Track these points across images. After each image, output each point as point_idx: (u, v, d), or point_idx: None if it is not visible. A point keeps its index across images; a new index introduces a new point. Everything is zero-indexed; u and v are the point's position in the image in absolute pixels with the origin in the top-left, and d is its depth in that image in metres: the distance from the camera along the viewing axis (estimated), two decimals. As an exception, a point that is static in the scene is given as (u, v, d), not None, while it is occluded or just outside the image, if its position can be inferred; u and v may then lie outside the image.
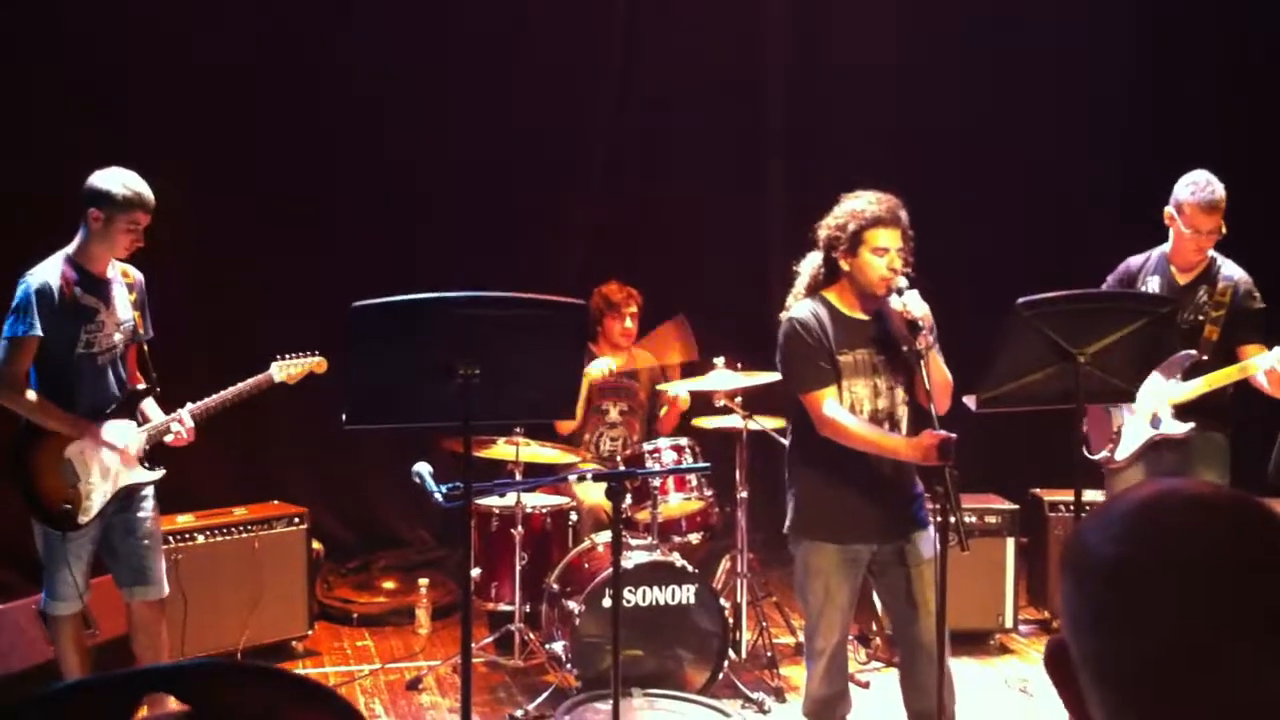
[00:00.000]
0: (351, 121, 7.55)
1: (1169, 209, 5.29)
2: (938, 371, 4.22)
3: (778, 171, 8.23)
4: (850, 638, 6.05)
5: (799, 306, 4.36)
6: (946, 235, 7.22)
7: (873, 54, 8.09)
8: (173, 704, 0.88)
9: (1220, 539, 1.19)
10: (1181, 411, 5.28)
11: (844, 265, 4.29)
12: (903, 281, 4.19)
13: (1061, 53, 8.11)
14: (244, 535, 6.19)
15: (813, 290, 4.39)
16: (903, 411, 4.36)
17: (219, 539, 6.10)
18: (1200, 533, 1.20)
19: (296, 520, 6.39)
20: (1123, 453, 5.46)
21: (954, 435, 4.00)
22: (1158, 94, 8.00)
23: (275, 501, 6.57)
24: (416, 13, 7.61)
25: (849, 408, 4.26)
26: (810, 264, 4.43)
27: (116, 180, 4.70)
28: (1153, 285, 5.36)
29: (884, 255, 4.21)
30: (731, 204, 8.16)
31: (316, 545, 6.60)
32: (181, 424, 4.93)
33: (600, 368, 6.44)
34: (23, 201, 6.21)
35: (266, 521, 6.30)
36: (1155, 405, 5.27)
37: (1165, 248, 5.41)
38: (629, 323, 6.64)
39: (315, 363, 5.23)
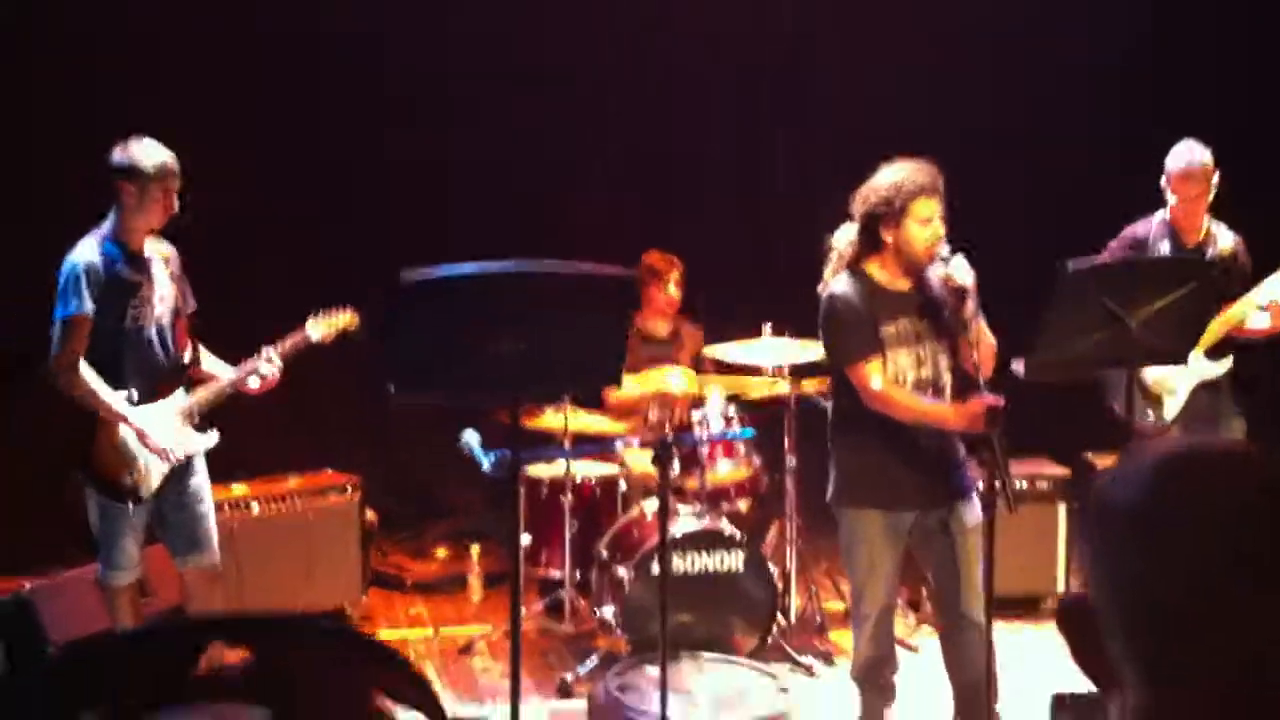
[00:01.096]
0: (384, 96, 7.64)
1: (1164, 179, 5.57)
2: (982, 337, 4.20)
3: (824, 136, 8.18)
4: (900, 603, 6.07)
5: (836, 281, 4.33)
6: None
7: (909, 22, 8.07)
8: (230, 655, 0.90)
9: (1248, 492, 1.20)
10: (1212, 352, 5.55)
11: (887, 237, 4.25)
12: (946, 249, 4.18)
13: (1063, 44, 8.02)
14: (298, 504, 6.26)
15: (852, 263, 4.36)
16: (947, 378, 4.35)
17: (273, 507, 6.17)
18: (1226, 486, 1.21)
19: (349, 489, 6.46)
20: (1170, 412, 5.66)
21: (1002, 400, 3.98)
22: (1158, 67, 7.91)
23: (328, 470, 6.63)
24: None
25: (892, 379, 4.25)
26: (845, 236, 4.40)
27: (141, 150, 4.74)
28: (1163, 249, 5.55)
29: (928, 225, 4.19)
30: (767, 168, 8.15)
31: (370, 514, 6.66)
32: (271, 362, 5.02)
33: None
34: (24, 187, 6.30)
35: (320, 490, 6.37)
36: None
37: (1164, 214, 5.64)
38: (673, 289, 6.64)
39: (348, 318, 5.25)
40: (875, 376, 4.22)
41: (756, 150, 8.27)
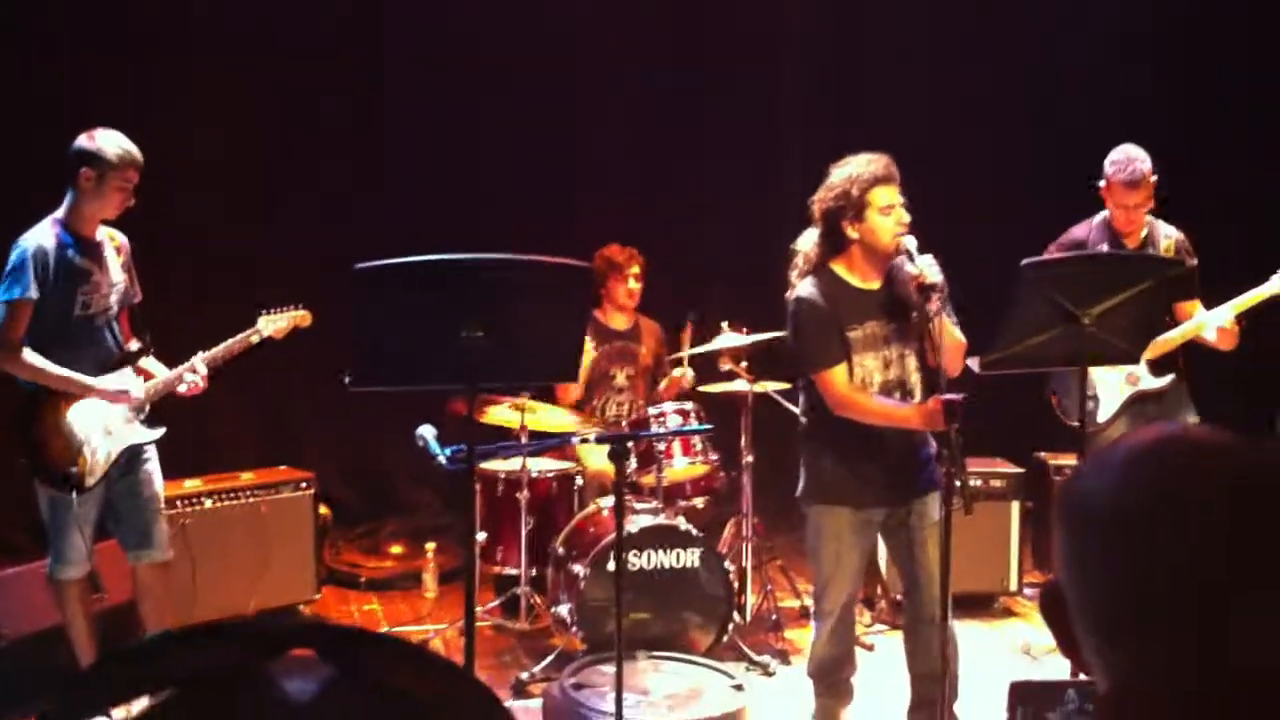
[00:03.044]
0: (353, 87, 7.61)
1: (1100, 183, 5.51)
2: (948, 335, 4.21)
3: (792, 131, 8.19)
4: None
5: (803, 285, 4.33)
6: (964, 202, 7.28)
7: (894, 22, 8.10)
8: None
9: (1219, 485, 1.18)
10: (1155, 366, 5.51)
11: (852, 233, 4.26)
12: (912, 242, 4.18)
13: (1040, 41, 8.10)
14: (251, 500, 6.20)
15: (818, 265, 4.36)
16: (915, 379, 4.37)
17: (227, 503, 6.11)
18: (1198, 480, 1.19)
19: (304, 485, 6.41)
20: (1104, 414, 5.63)
21: (959, 397, 3.99)
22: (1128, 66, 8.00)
23: (283, 466, 6.59)
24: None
25: (859, 382, 4.28)
26: (808, 241, 4.41)
27: (107, 140, 4.73)
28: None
29: (890, 213, 4.21)
30: (738, 166, 8.15)
31: (324, 510, 6.62)
32: (195, 372, 4.96)
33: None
34: (21, 164, 6.24)
35: (274, 486, 6.31)
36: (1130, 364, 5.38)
37: (1104, 215, 5.58)
38: (633, 284, 6.60)
39: (299, 315, 5.23)
40: (841, 382, 4.24)
41: (768, 110, 8.31)
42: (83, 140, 4.74)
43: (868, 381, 4.29)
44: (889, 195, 4.21)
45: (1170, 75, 7.90)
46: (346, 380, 3.69)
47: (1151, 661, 1.18)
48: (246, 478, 6.31)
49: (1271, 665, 1.14)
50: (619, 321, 6.72)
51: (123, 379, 4.91)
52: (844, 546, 4.37)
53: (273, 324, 5.17)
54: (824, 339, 4.26)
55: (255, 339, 5.14)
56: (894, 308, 4.33)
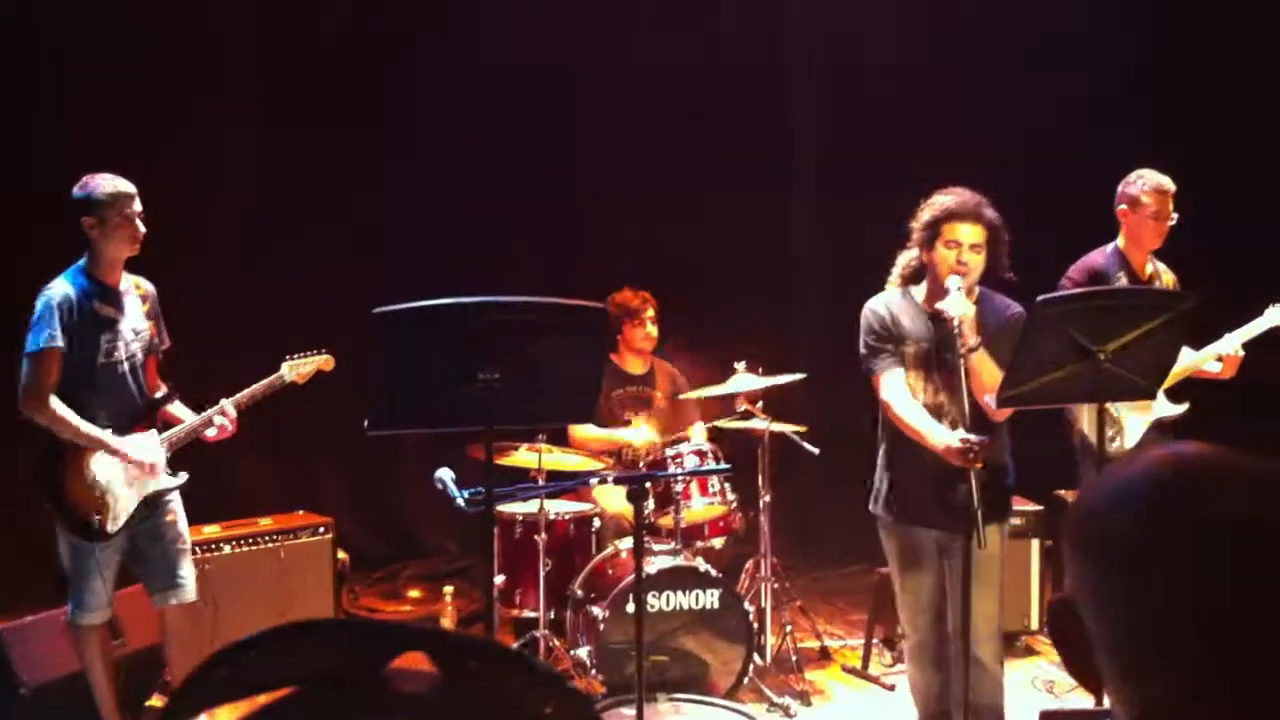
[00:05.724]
0: (363, 125, 7.70)
1: (1122, 206, 5.55)
2: (985, 374, 4.23)
3: (806, 175, 8.20)
4: (876, 641, 6.07)
5: (879, 296, 4.55)
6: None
7: (901, 53, 8.11)
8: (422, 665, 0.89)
9: (1243, 508, 1.18)
10: (1171, 394, 5.52)
11: (924, 258, 4.41)
12: (955, 282, 4.22)
13: (1063, 75, 8.08)
14: (270, 545, 6.20)
15: (905, 283, 4.54)
16: (949, 408, 4.39)
17: (245, 549, 6.12)
18: (1222, 503, 1.19)
19: (322, 530, 6.41)
20: (1130, 442, 5.62)
21: (981, 439, 4.02)
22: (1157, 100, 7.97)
23: (301, 511, 6.60)
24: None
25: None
26: (904, 258, 4.57)
27: (95, 183, 4.77)
28: (1121, 282, 5.52)
29: (955, 249, 4.27)
30: (754, 207, 8.17)
31: (342, 555, 6.62)
32: (225, 415, 4.99)
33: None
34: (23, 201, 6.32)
35: (292, 531, 6.31)
36: None
37: (1117, 244, 5.62)
38: (649, 328, 6.63)
39: (322, 360, 5.28)
40: (885, 385, 4.40)
41: (782, 153, 8.31)
42: (74, 191, 4.78)
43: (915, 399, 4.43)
44: (957, 232, 4.30)
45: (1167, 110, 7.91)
46: (365, 425, 3.70)
47: (1172, 692, 1.17)
48: (265, 523, 6.32)
49: None
50: (635, 365, 6.73)
51: (149, 449, 4.90)
52: (901, 565, 4.53)
53: (296, 369, 5.21)
54: (878, 344, 4.44)
55: (280, 385, 5.18)
56: (945, 339, 4.36)
